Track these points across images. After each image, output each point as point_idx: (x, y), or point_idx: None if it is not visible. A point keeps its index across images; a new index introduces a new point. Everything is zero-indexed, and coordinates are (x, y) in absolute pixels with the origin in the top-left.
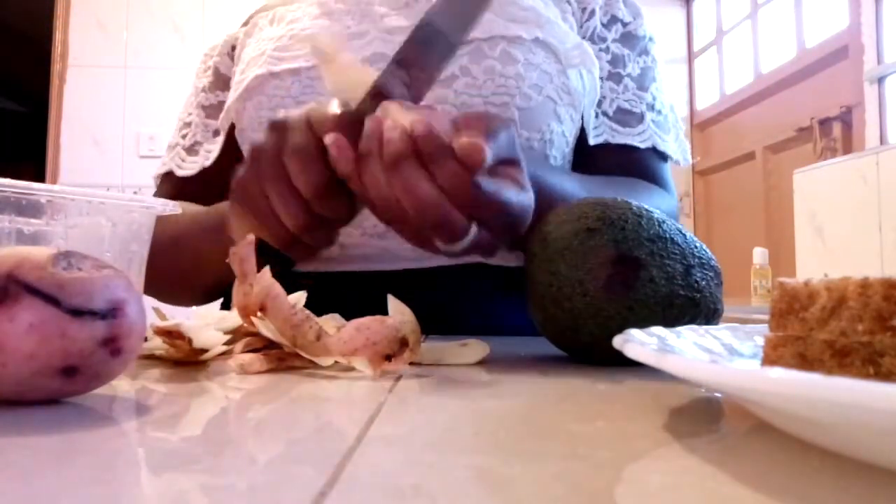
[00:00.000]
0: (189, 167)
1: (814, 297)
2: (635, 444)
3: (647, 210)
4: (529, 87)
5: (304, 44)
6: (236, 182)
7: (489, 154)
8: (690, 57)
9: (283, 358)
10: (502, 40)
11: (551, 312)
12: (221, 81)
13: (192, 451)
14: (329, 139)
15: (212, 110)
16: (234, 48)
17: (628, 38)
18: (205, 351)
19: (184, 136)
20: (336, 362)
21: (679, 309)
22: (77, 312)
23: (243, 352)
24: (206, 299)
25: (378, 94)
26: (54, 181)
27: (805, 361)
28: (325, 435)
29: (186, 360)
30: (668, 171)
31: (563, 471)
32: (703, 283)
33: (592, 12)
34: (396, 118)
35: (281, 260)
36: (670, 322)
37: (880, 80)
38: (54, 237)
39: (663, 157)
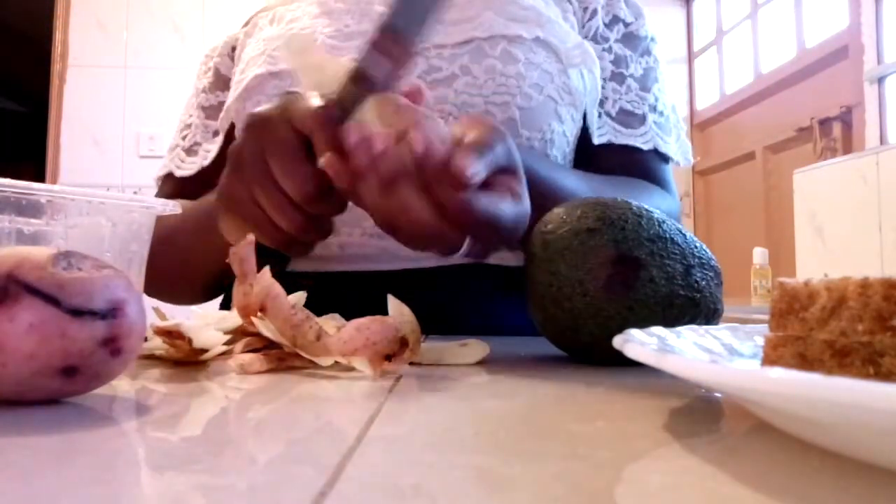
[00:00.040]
0: (188, 167)
1: (814, 297)
2: (635, 444)
3: (647, 210)
4: (530, 86)
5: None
6: (221, 188)
7: (482, 172)
8: (690, 57)
9: (283, 358)
10: (503, 40)
11: (551, 312)
12: (222, 82)
13: (192, 451)
14: (323, 162)
15: (212, 111)
16: (234, 49)
17: (630, 39)
18: (205, 351)
19: (184, 138)
20: (336, 362)
21: (679, 309)
22: (77, 312)
23: (243, 352)
24: (205, 297)
25: (359, 78)
26: (54, 181)
27: (805, 361)
28: (324, 435)
29: (186, 360)
30: (670, 172)
31: (563, 471)
32: (703, 283)
33: (594, 12)
34: (389, 123)
35: (277, 257)
36: (670, 322)
37: (880, 80)
38: (54, 237)
39: (665, 158)
